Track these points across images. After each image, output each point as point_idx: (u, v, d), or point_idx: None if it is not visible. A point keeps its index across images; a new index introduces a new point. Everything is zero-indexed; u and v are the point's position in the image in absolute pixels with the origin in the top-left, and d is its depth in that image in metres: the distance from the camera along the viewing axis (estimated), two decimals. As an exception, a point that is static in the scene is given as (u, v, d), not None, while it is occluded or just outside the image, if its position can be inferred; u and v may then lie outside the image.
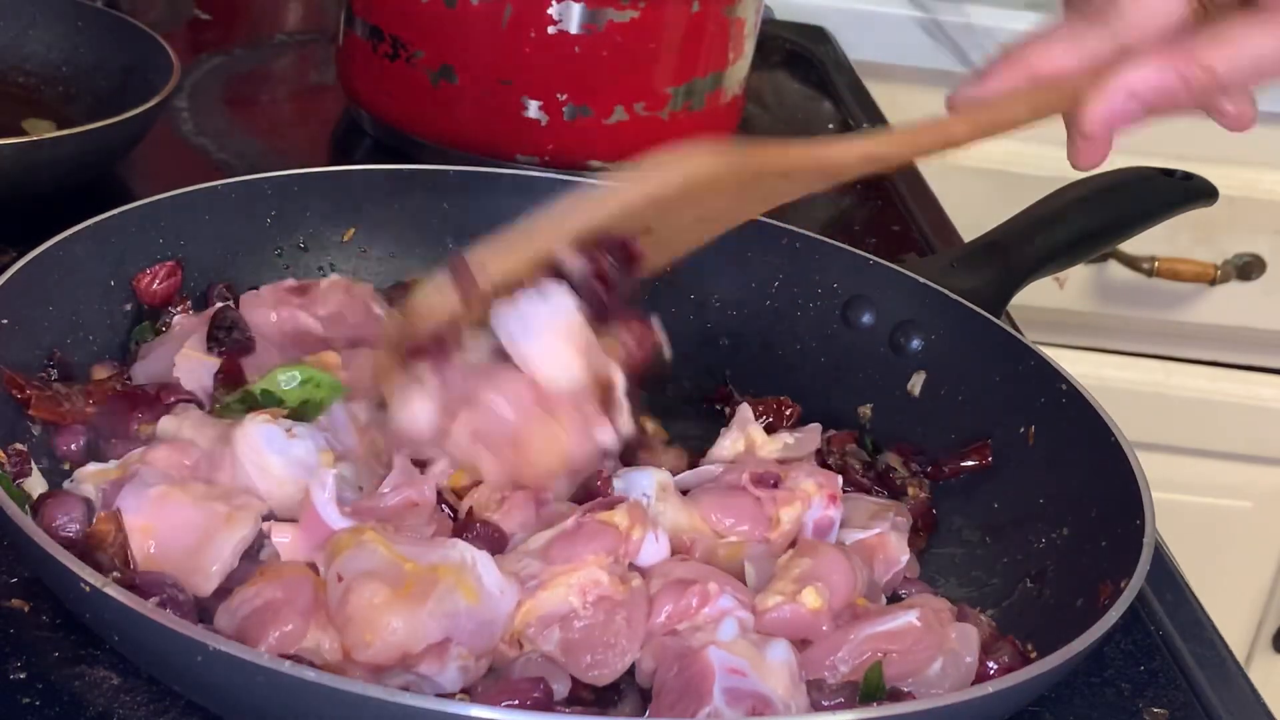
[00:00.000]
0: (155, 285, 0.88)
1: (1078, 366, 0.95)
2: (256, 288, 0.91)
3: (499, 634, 0.69)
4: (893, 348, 0.95)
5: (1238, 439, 1.79)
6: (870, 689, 0.71)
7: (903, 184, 1.33)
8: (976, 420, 0.90)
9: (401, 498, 0.75)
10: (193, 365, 0.83)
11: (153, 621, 0.62)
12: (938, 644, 0.73)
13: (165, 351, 0.84)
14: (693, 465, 0.86)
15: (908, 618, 0.73)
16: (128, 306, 0.87)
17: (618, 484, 0.80)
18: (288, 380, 0.81)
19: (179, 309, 0.88)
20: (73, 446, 0.79)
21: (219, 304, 0.88)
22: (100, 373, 0.84)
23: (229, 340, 0.84)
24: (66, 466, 0.78)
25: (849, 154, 0.77)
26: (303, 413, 0.80)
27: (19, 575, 0.72)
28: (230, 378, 0.82)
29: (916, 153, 0.80)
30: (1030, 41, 0.75)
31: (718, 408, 0.95)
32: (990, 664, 0.73)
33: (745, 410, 0.89)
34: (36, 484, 0.75)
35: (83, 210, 0.86)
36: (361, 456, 0.78)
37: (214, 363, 0.83)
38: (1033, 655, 0.74)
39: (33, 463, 0.76)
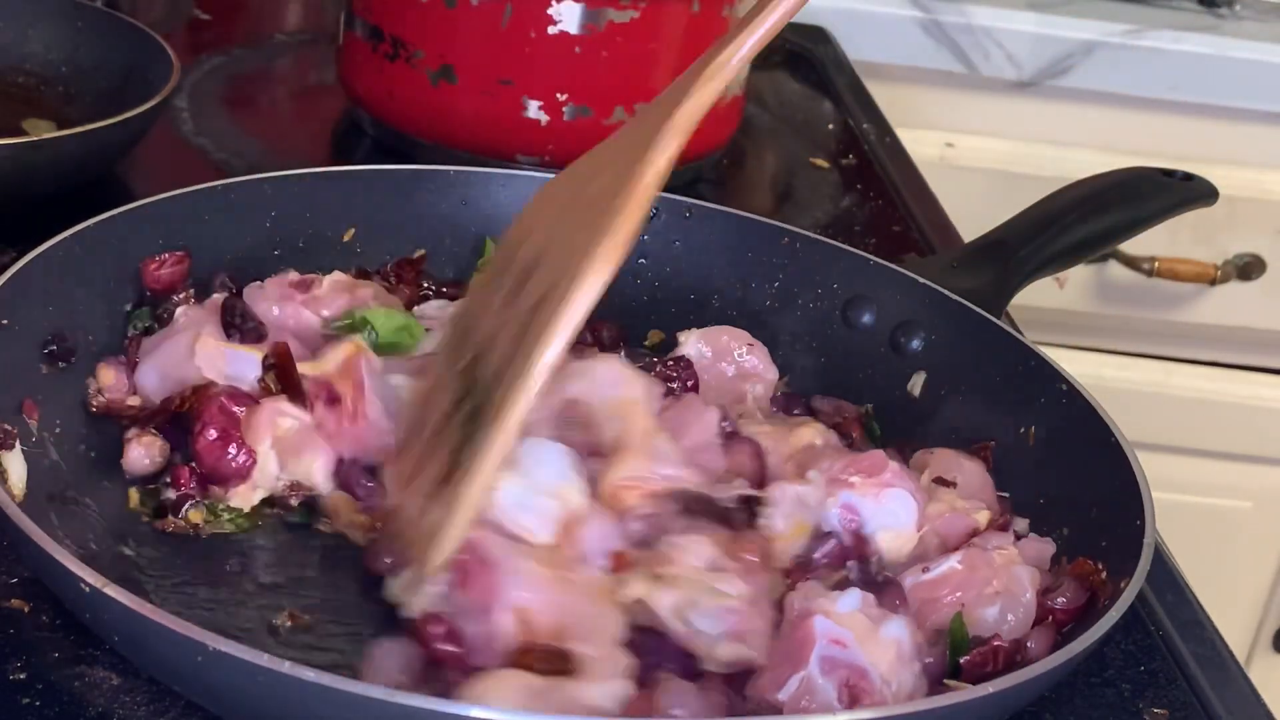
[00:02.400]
0: (162, 270, 0.88)
1: (1078, 366, 0.96)
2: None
3: None
4: (893, 348, 0.95)
5: (1238, 439, 1.79)
6: (957, 640, 0.73)
7: (903, 184, 1.33)
8: (976, 420, 0.90)
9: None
10: (212, 353, 0.83)
11: (153, 621, 0.62)
12: (985, 586, 0.75)
13: (173, 346, 0.84)
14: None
15: (949, 563, 0.76)
16: (128, 307, 0.87)
17: None
18: (388, 320, 0.86)
19: (181, 296, 0.88)
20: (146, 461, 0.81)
21: (222, 293, 0.88)
22: (105, 374, 0.84)
23: (245, 329, 0.85)
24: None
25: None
26: (390, 350, 0.86)
27: (19, 575, 0.72)
28: (283, 366, 0.82)
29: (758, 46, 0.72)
30: None
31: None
32: (1059, 599, 0.75)
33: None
34: (15, 460, 0.75)
35: (83, 210, 0.86)
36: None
37: (236, 350, 0.83)
38: (1103, 575, 0.75)
39: (18, 442, 0.75)
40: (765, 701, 0.69)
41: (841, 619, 0.70)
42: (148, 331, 0.87)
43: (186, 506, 0.78)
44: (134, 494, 0.79)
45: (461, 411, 0.72)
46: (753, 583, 0.73)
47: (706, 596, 0.71)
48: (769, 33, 0.72)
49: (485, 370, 0.72)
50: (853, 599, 0.72)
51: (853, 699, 0.69)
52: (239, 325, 0.85)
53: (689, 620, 0.70)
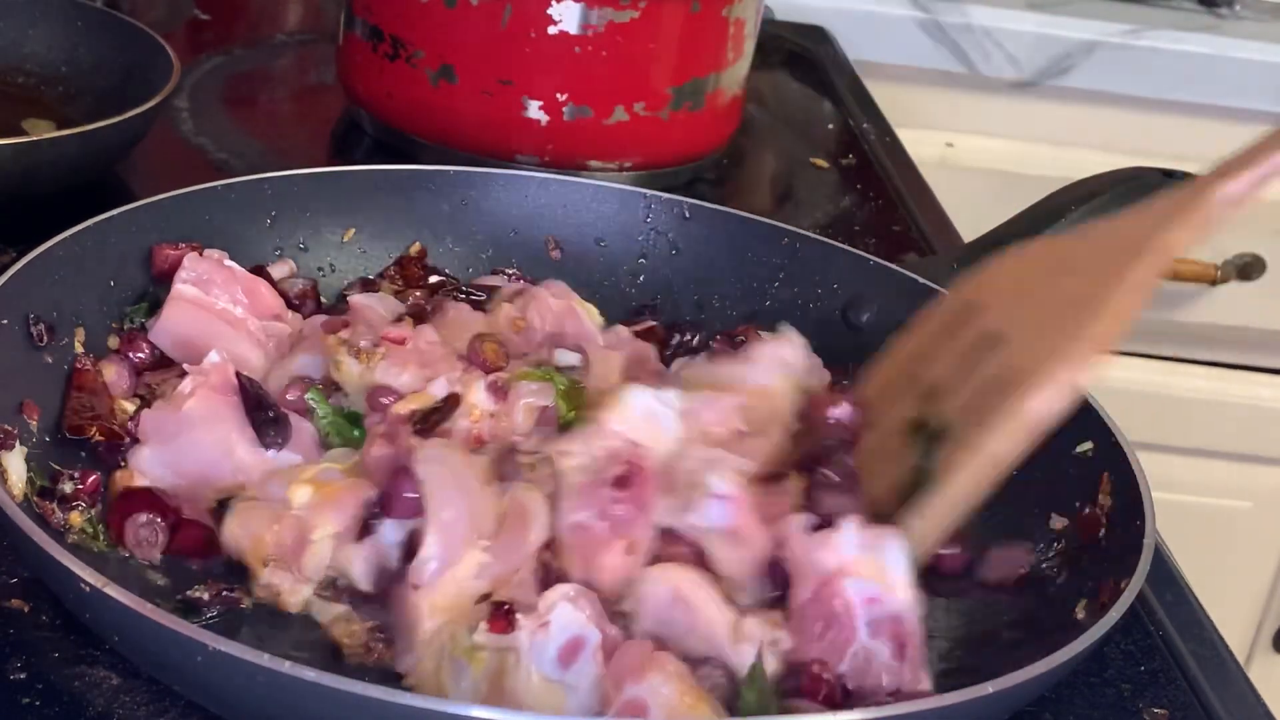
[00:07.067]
0: (173, 253, 0.87)
1: (1078, 366, 0.95)
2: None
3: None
4: (893, 348, 0.95)
5: (1238, 439, 1.79)
6: None
7: (903, 184, 1.33)
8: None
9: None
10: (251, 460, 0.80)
11: (153, 621, 0.62)
12: None
13: (191, 445, 0.79)
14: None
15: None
16: (128, 309, 0.87)
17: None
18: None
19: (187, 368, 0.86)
20: None
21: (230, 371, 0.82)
22: (108, 370, 0.83)
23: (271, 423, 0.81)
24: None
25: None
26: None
27: (19, 575, 0.72)
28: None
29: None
30: None
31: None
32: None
33: None
34: (15, 460, 0.75)
35: (83, 210, 0.86)
36: None
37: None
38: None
39: (18, 442, 0.75)
40: (821, 677, 0.70)
41: (859, 567, 0.72)
42: (142, 329, 0.86)
43: (73, 508, 0.75)
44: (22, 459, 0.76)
45: (922, 432, 0.79)
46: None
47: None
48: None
49: (946, 405, 0.78)
50: (850, 536, 0.73)
51: (899, 651, 0.71)
52: (266, 420, 0.80)
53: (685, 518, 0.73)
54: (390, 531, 0.73)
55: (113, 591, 0.63)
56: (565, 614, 0.68)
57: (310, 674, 0.60)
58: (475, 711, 0.60)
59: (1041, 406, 0.73)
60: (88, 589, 0.63)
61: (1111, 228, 0.77)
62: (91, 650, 0.69)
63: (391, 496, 0.73)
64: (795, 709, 0.69)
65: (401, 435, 0.77)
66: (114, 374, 0.83)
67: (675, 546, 0.74)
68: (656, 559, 0.73)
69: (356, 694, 0.59)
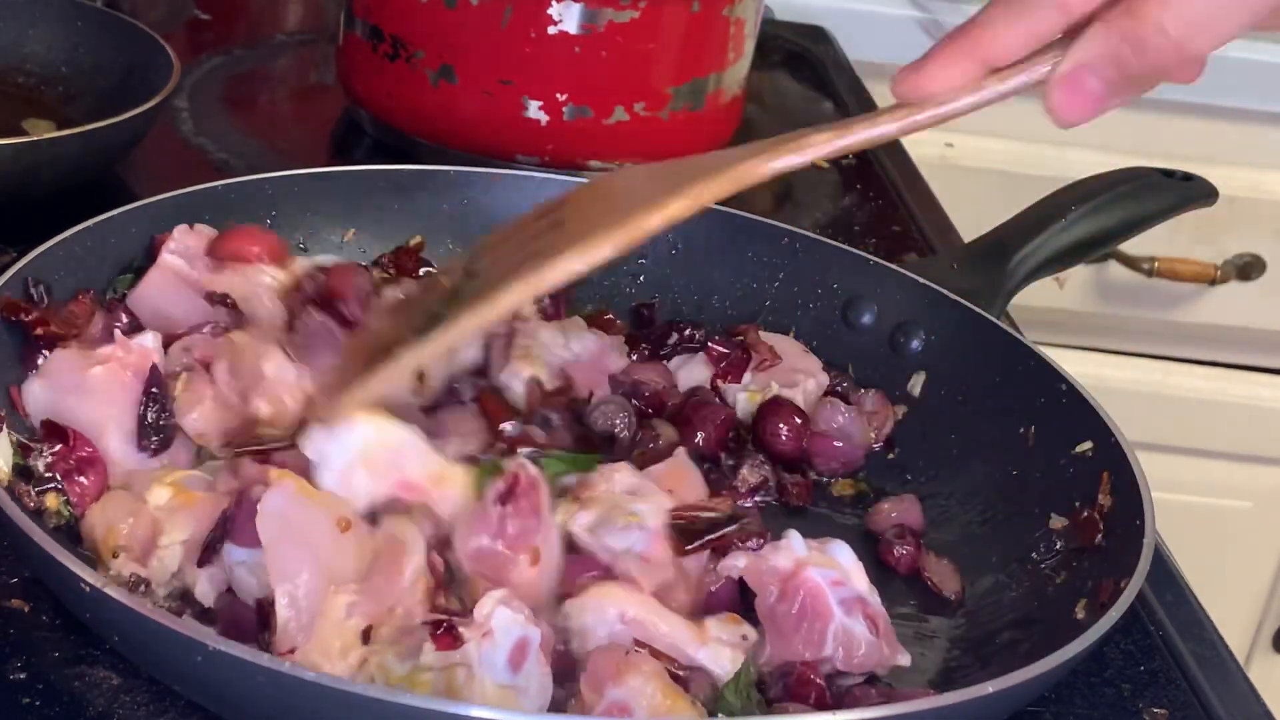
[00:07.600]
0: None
1: (1078, 366, 0.95)
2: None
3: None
4: (893, 348, 0.95)
5: (1238, 439, 1.79)
6: None
7: (903, 184, 1.33)
8: (976, 420, 0.90)
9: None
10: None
11: (153, 621, 0.62)
12: None
13: (79, 406, 0.77)
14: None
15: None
16: (116, 278, 0.87)
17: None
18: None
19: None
20: None
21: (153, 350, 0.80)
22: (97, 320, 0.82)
23: (158, 432, 0.78)
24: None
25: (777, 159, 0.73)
26: None
27: (19, 575, 0.72)
28: None
29: (846, 150, 0.73)
30: (976, 24, 0.68)
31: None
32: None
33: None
34: (4, 446, 0.74)
35: (83, 210, 0.86)
36: None
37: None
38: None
39: (5, 428, 0.75)
40: (802, 672, 0.70)
41: (814, 561, 0.73)
42: (124, 298, 0.86)
43: (48, 488, 0.74)
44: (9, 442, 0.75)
45: (455, 298, 0.76)
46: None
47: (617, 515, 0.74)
48: (836, 150, 0.72)
49: (468, 283, 0.76)
50: (798, 541, 0.74)
51: (874, 627, 0.72)
52: (153, 426, 0.77)
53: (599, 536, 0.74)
54: (236, 551, 0.70)
55: (113, 591, 0.63)
56: (505, 617, 0.67)
57: (310, 674, 0.60)
58: (475, 711, 0.60)
59: (557, 273, 0.72)
60: (88, 589, 0.63)
61: (691, 160, 0.77)
62: (91, 650, 0.69)
63: (233, 522, 0.70)
64: (785, 713, 0.69)
65: (243, 467, 0.74)
66: (97, 320, 0.82)
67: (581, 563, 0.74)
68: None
69: (356, 694, 0.59)
